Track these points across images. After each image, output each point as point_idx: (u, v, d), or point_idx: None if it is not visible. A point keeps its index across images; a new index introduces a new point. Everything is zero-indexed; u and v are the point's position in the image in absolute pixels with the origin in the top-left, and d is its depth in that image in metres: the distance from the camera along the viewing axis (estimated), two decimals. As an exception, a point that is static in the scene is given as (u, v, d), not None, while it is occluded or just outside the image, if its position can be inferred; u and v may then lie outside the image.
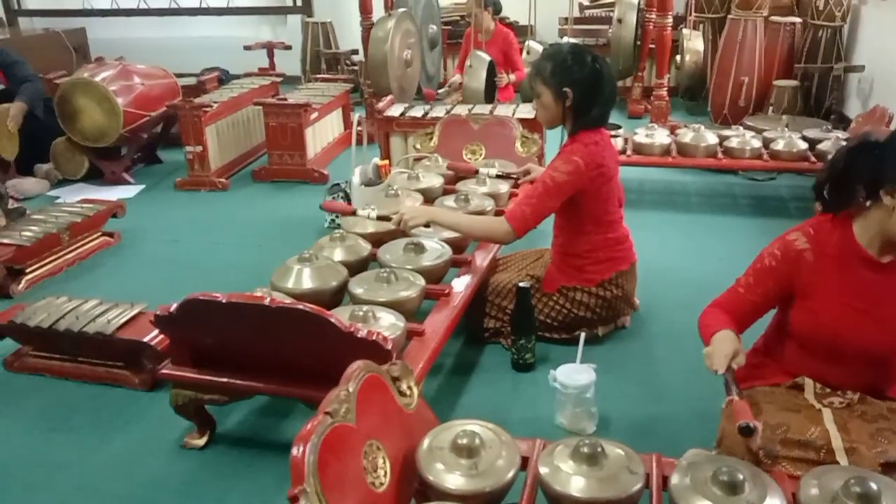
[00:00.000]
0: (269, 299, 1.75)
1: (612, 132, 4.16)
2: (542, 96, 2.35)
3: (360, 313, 1.96)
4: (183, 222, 3.88)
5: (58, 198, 4.29)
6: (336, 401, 1.26)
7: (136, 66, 4.73)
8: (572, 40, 6.07)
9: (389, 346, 1.72)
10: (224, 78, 6.62)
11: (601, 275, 2.41)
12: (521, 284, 2.31)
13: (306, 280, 2.21)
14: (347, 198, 3.67)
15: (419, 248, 2.43)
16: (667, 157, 3.85)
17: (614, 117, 6.03)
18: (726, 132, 3.98)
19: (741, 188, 4.15)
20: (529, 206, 2.24)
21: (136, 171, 4.72)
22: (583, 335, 2.18)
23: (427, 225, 2.36)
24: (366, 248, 2.51)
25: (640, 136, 3.98)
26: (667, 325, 2.65)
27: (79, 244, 3.37)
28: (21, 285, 3.06)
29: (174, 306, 1.83)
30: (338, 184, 3.79)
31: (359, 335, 1.71)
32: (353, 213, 2.38)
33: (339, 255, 2.44)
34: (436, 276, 2.41)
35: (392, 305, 2.11)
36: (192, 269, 3.30)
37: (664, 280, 3.00)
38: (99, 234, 3.51)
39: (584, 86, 2.28)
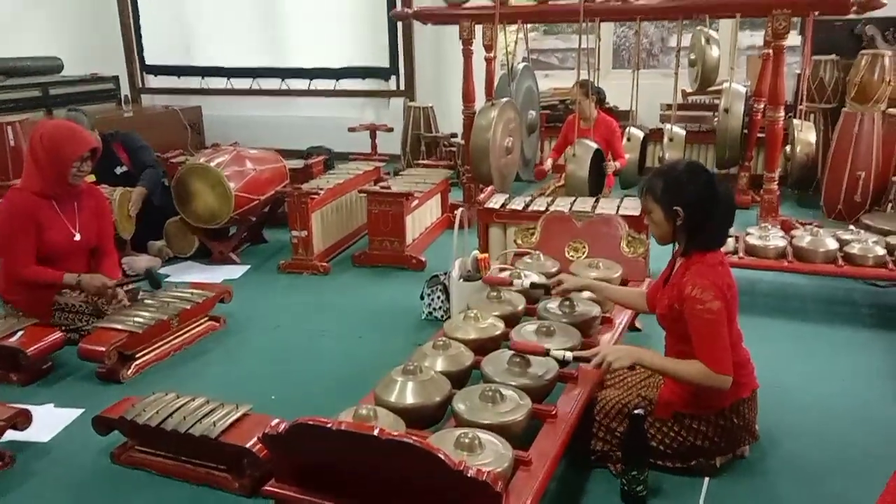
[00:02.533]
0: (378, 430, 1.70)
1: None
2: (652, 213, 2.27)
3: (466, 440, 1.89)
4: (285, 307, 3.95)
5: (167, 276, 4.46)
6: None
7: (249, 151, 4.93)
8: (676, 128, 6.00)
9: (499, 489, 1.64)
10: (329, 158, 6.86)
11: (721, 402, 2.26)
12: (635, 412, 2.18)
13: (409, 395, 2.17)
14: (446, 291, 3.65)
15: (524, 363, 2.35)
16: (782, 262, 3.66)
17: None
18: (846, 235, 3.77)
19: (862, 295, 3.89)
20: (718, 347, 2.14)
21: (242, 251, 4.88)
22: (706, 481, 2.03)
23: (631, 368, 2.30)
24: (468, 357, 2.46)
25: (754, 237, 3.81)
26: (790, 457, 2.45)
27: (187, 329, 3.46)
28: (130, 370, 3.15)
29: (283, 427, 1.81)
30: (437, 275, 3.78)
31: (469, 474, 1.64)
32: (546, 354, 2.30)
33: (440, 364, 2.40)
34: (541, 393, 2.33)
35: (497, 429, 2.04)
36: (295, 360, 3.33)
37: (783, 402, 2.80)
38: (206, 318, 3.60)
39: (696, 206, 2.19)
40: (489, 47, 6.38)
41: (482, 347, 2.60)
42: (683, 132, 6.06)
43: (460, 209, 3.61)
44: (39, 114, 6.97)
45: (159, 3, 8.37)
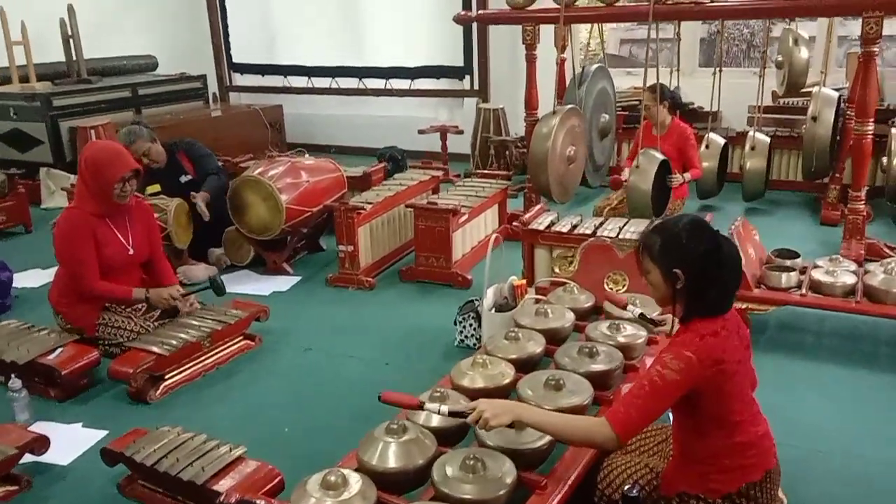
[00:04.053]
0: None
1: (788, 260, 3.70)
2: (650, 274, 2.05)
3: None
4: (322, 326, 3.94)
5: (222, 285, 4.56)
6: None
7: (305, 161, 4.95)
8: (759, 134, 5.58)
9: None
10: (402, 159, 6.83)
11: (727, 486, 2.04)
12: (627, 492, 2.00)
13: (390, 457, 2.08)
14: (479, 318, 3.53)
15: (521, 426, 2.20)
16: (849, 302, 3.31)
17: (805, 222, 5.47)
18: (929, 273, 3.37)
19: (947, 339, 3.47)
20: (636, 409, 1.93)
21: (297, 260, 4.92)
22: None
23: (511, 425, 2.07)
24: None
25: (820, 271, 3.47)
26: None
27: (219, 349, 3.51)
28: (159, 391, 3.22)
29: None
30: (472, 301, 3.66)
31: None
32: (420, 408, 2.17)
33: (436, 419, 2.29)
34: (537, 457, 2.19)
35: (476, 504, 1.92)
36: (318, 386, 3.31)
37: (825, 470, 2.53)
38: (241, 337, 3.64)
39: (698, 268, 1.96)
40: (562, 48, 6.15)
41: (488, 398, 2.48)
42: (767, 139, 5.65)
43: (494, 235, 3.47)
44: (129, 113, 7.30)
45: (246, 1, 8.57)
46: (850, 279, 3.38)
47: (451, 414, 2.12)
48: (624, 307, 2.83)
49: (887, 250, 4.36)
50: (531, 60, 5.08)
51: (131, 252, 3.61)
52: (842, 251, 4.22)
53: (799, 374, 3.20)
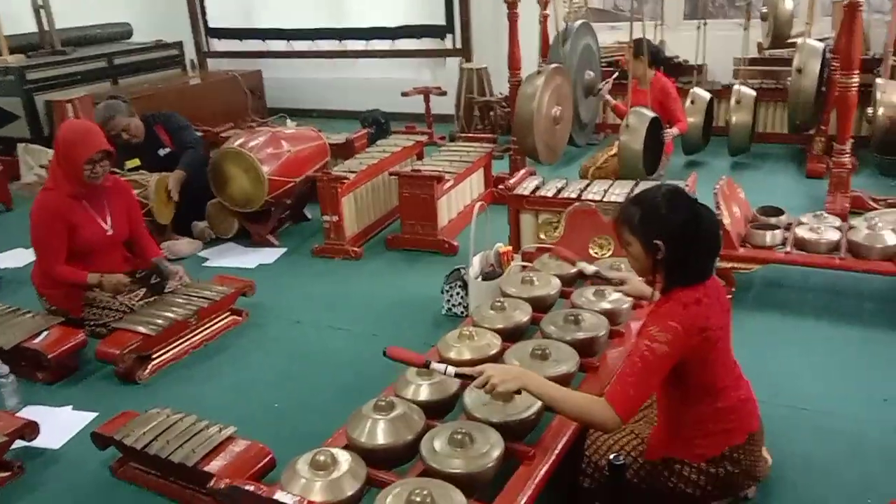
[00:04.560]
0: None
1: (773, 218, 3.70)
2: (630, 246, 2.04)
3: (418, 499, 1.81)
4: (310, 298, 3.93)
5: (206, 259, 4.53)
6: None
7: (286, 130, 4.88)
8: (744, 88, 5.53)
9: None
10: (385, 122, 6.75)
11: (711, 450, 2.07)
12: (613, 460, 2.01)
13: (378, 434, 2.09)
14: (465, 286, 3.53)
15: (508, 397, 2.22)
16: (833, 259, 3.32)
17: (791, 176, 5.46)
18: (913, 227, 3.38)
19: (938, 292, 3.48)
20: (632, 387, 1.93)
21: (282, 231, 4.89)
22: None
23: (518, 392, 2.09)
24: (453, 385, 2.35)
25: (804, 228, 3.47)
26: (800, 498, 2.24)
27: (207, 326, 3.50)
28: (146, 371, 3.22)
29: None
30: (458, 269, 3.65)
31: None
32: (426, 367, 2.19)
33: (424, 392, 2.31)
34: (522, 431, 2.20)
35: (464, 479, 1.94)
36: (307, 362, 3.31)
37: (809, 428, 2.57)
38: (228, 313, 3.63)
39: (678, 237, 1.95)
40: (545, 4, 6.03)
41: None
42: (753, 93, 5.61)
43: (478, 203, 3.44)
44: (106, 84, 7.16)
45: (220, -37, 8.37)
46: (834, 235, 3.39)
47: (458, 376, 2.13)
48: (573, 264, 2.88)
49: (872, 203, 4.37)
50: (513, 20, 4.98)
51: (110, 233, 3.57)
52: (827, 205, 4.23)
53: (784, 332, 3.23)
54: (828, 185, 4.48)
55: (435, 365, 2.15)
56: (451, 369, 2.13)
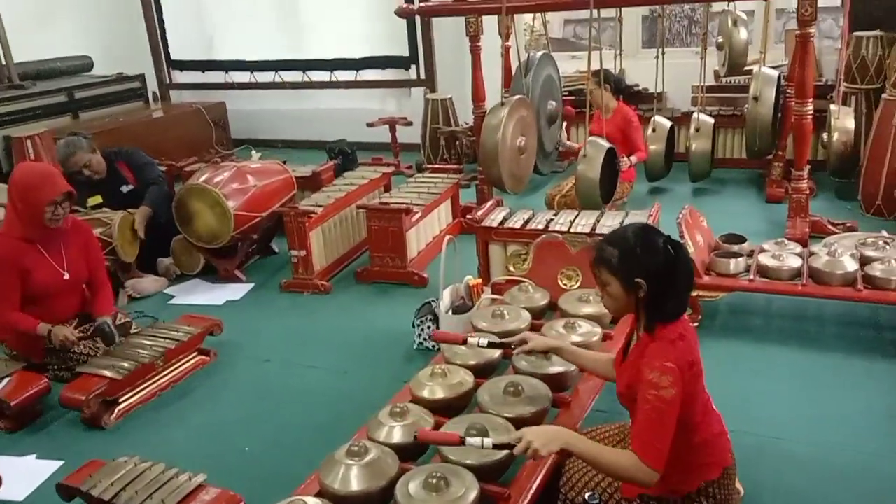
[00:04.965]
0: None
1: (736, 245, 3.78)
2: (609, 286, 2.06)
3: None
4: (279, 335, 3.89)
5: (172, 297, 4.47)
6: None
7: (252, 164, 4.85)
8: (703, 116, 5.66)
9: None
10: (351, 152, 6.74)
11: (687, 486, 2.09)
12: (588, 499, 2.02)
13: (353, 480, 2.08)
14: (437, 319, 3.53)
15: (483, 432, 2.20)
16: (796, 285, 3.39)
17: (751, 200, 5.59)
18: (870, 252, 3.48)
19: (890, 316, 3.54)
20: (658, 439, 1.93)
21: (250, 265, 4.85)
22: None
23: (560, 451, 2.04)
24: (430, 422, 2.35)
25: (767, 255, 3.55)
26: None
27: (174, 367, 3.44)
28: (113, 416, 3.15)
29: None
30: (429, 302, 3.65)
31: None
32: (462, 443, 2.07)
33: (398, 434, 2.30)
34: (495, 473, 2.20)
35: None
36: (278, 401, 3.27)
37: (777, 457, 2.60)
38: (195, 353, 3.57)
39: (659, 275, 1.98)
40: (507, 36, 6.10)
41: (448, 408, 2.49)
42: (711, 120, 5.74)
43: (446, 237, 3.45)
44: (66, 118, 7.07)
45: (181, -5, 8.35)
46: (795, 262, 3.47)
47: (497, 447, 2.06)
48: (464, 343, 2.60)
49: (831, 227, 4.48)
50: (475, 52, 5.05)
51: (66, 277, 3.46)
52: (787, 231, 4.33)
53: (750, 359, 3.28)
54: (787, 210, 4.58)
55: (470, 440, 2.07)
56: (489, 441, 2.06)
